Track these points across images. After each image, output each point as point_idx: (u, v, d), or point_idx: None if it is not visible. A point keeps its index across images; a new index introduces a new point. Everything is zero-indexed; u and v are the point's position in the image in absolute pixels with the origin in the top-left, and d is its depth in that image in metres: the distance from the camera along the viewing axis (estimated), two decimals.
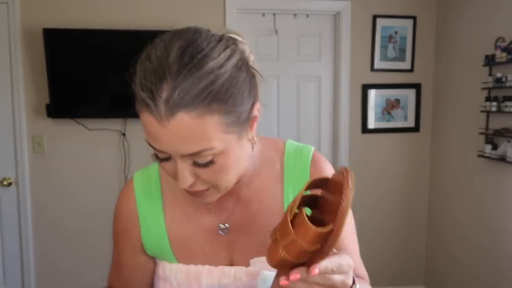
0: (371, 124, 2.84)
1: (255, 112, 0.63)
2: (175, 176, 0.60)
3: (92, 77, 2.47)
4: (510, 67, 2.18)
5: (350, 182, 0.51)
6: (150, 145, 0.58)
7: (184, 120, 0.53)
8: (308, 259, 0.53)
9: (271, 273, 0.64)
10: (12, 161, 2.54)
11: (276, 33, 2.75)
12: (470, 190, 2.53)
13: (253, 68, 0.63)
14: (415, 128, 2.90)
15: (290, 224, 0.52)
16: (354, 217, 0.80)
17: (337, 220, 0.50)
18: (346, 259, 0.54)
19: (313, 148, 0.77)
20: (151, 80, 0.53)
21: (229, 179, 0.63)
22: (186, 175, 0.58)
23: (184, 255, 0.73)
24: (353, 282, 0.58)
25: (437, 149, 2.87)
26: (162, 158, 0.59)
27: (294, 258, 0.52)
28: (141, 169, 0.78)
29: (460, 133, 2.62)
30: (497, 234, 2.32)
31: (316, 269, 0.51)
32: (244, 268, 0.72)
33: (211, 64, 0.54)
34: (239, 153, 0.62)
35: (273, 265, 0.55)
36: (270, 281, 0.64)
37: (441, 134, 2.82)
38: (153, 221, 0.73)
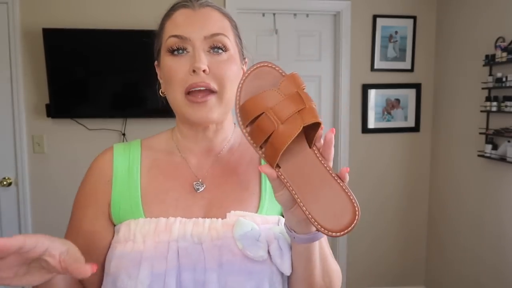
0: (371, 124, 2.84)
1: (244, 66, 0.81)
2: (186, 73, 0.71)
3: (92, 77, 2.47)
4: (510, 67, 2.18)
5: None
6: (174, 36, 0.72)
7: (211, 11, 0.75)
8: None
9: (248, 221, 0.71)
10: (12, 161, 2.54)
11: (276, 33, 2.75)
12: (470, 190, 2.53)
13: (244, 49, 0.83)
14: (415, 128, 2.90)
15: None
16: None
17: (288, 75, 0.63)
18: None
19: None
20: None
21: (229, 90, 0.72)
22: (203, 57, 0.71)
23: (154, 210, 0.74)
24: None
25: (437, 149, 2.87)
26: (180, 49, 0.72)
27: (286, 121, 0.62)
28: None
29: (460, 133, 2.62)
30: (497, 235, 2.32)
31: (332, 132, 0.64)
32: (220, 220, 0.72)
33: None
34: (239, 73, 0.76)
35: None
36: (246, 226, 0.70)
37: (441, 134, 2.82)
38: (126, 179, 0.77)
